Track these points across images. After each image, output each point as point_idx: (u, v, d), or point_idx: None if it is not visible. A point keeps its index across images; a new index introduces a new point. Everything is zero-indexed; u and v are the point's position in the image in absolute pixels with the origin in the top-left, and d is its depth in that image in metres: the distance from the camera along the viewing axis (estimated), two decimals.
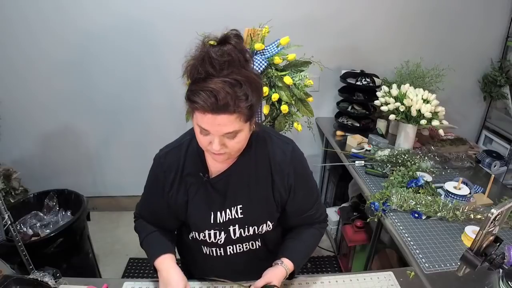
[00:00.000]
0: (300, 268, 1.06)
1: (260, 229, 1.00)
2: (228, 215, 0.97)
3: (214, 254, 1.03)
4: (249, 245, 1.04)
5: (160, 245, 1.01)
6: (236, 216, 0.97)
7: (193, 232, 1.02)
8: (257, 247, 1.06)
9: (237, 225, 0.98)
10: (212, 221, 0.97)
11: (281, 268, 0.98)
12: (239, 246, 1.03)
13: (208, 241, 1.00)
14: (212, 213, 0.96)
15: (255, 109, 0.82)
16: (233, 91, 0.75)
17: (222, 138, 0.81)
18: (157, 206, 1.01)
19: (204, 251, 1.04)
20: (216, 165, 0.95)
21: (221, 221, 0.97)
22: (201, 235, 1.00)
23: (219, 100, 0.73)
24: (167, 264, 0.95)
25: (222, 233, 0.99)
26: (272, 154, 0.96)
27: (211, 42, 0.79)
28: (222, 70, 0.76)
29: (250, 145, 0.92)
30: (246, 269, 1.02)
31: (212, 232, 0.99)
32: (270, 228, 1.02)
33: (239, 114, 0.77)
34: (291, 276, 1.03)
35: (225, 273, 1.00)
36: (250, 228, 0.99)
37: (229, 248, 1.03)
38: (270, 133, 1.00)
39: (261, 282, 0.94)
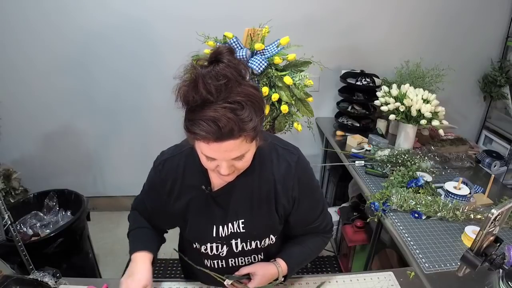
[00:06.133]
0: (295, 272, 1.05)
1: (262, 243, 1.00)
2: (230, 229, 0.95)
3: (216, 266, 1.02)
4: (251, 258, 1.03)
5: (144, 242, 1.00)
6: (238, 230, 0.96)
7: (195, 244, 1.01)
8: (259, 260, 1.04)
9: (239, 239, 0.97)
10: (214, 235, 0.96)
11: (272, 265, 0.97)
12: (241, 259, 1.02)
13: (210, 253, 1.00)
14: (214, 226, 0.95)
15: (260, 127, 0.76)
16: (235, 116, 0.69)
17: (229, 161, 0.78)
18: (152, 208, 1.02)
19: (205, 263, 1.03)
20: (219, 178, 0.91)
21: (223, 235, 0.96)
22: (203, 247, 0.99)
23: (221, 127, 0.68)
24: (141, 260, 0.95)
25: (224, 246, 0.98)
26: (276, 167, 0.92)
27: (201, 63, 0.72)
28: (220, 94, 0.69)
29: (254, 159, 0.88)
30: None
31: (214, 245, 0.98)
32: (273, 241, 1.01)
33: (244, 137, 0.73)
34: (284, 279, 1.02)
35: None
36: (253, 242, 0.98)
37: (231, 260, 1.02)
38: (276, 144, 0.95)
39: (245, 270, 0.95)
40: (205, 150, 0.75)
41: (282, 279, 1.00)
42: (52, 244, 1.64)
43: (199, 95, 0.69)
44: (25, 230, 1.77)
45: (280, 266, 0.98)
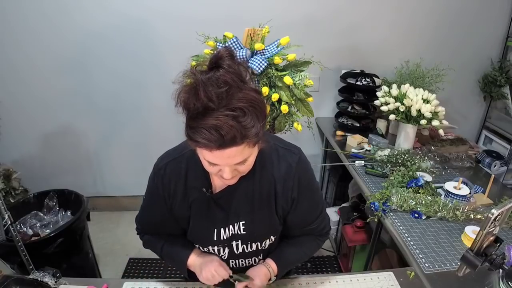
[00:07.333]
0: (285, 272, 1.05)
1: (263, 245, 1.00)
2: (231, 231, 0.95)
3: None
4: (251, 260, 1.03)
5: (181, 249, 1.01)
6: (239, 232, 0.96)
7: (197, 245, 1.01)
8: (259, 262, 1.04)
9: (240, 241, 0.97)
10: (215, 238, 0.96)
11: (264, 268, 0.97)
12: (242, 261, 1.02)
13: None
14: (215, 230, 0.95)
15: (262, 132, 0.76)
16: (237, 123, 0.68)
17: (232, 166, 0.78)
18: (159, 217, 0.99)
19: None
20: (220, 181, 0.90)
21: (225, 237, 0.96)
22: (205, 249, 1.00)
23: (224, 135, 0.67)
24: (194, 258, 0.98)
25: (226, 248, 0.98)
26: (276, 168, 0.92)
27: (201, 68, 0.72)
28: (221, 101, 0.68)
29: (255, 161, 0.87)
30: None
31: (215, 248, 0.98)
32: (272, 241, 1.01)
33: (247, 143, 0.72)
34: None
35: (227, 283, 1.00)
36: (253, 244, 0.98)
37: (232, 262, 1.02)
38: (277, 145, 0.95)
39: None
40: (208, 156, 0.75)
41: (274, 278, 1.01)
42: (52, 244, 1.64)
43: (200, 102, 0.67)
44: (25, 230, 1.77)
45: (270, 266, 0.98)
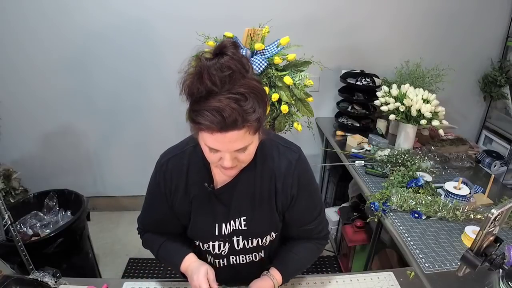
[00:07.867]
0: (289, 280, 1.04)
1: (264, 241, 1.00)
2: (232, 226, 0.96)
3: (217, 266, 1.03)
4: (252, 256, 1.03)
5: (177, 252, 1.01)
6: (240, 228, 0.96)
7: (197, 242, 1.01)
8: (260, 258, 1.04)
9: (240, 236, 0.98)
10: (216, 233, 0.96)
11: (269, 280, 0.97)
12: (242, 257, 1.02)
13: (212, 252, 1.00)
14: (216, 225, 0.95)
15: (263, 119, 0.77)
16: (239, 106, 0.70)
17: (233, 153, 0.79)
18: (161, 214, 0.99)
19: (208, 260, 1.04)
20: (221, 175, 0.92)
21: (226, 232, 0.96)
22: (205, 245, 0.99)
23: (226, 117, 0.69)
24: (188, 263, 0.97)
25: (226, 244, 0.99)
26: (277, 165, 0.93)
27: (207, 56, 0.74)
28: (224, 85, 0.70)
29: (256, 156, 0.88)
30: (249, 279, 1.00)
31: (216, 243, 0.98)
32: (273, 238, 1.01)
33: (248, 128, 0.74)
34: None
35: (228, 280, 1.01)
36: (254, 240, 0.98)
37: (232, 258, 1.02)
38: (277, 142, 0.96)
39: None
40: (209, 141, 0.75)
41: None
42: (52, 244, 1.64)
43: (204, 86, 0.70)
44: (25, 230, 1.77)
45: (274, 278, 0.98)
